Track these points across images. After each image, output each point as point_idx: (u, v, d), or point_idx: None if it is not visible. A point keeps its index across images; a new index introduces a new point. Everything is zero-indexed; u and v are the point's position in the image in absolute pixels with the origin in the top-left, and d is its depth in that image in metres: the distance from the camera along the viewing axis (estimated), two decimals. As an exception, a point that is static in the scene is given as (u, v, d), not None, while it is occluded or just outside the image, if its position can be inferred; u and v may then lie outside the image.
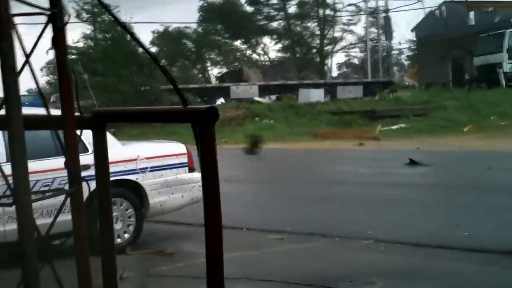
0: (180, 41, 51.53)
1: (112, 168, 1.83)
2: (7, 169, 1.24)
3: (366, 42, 51.68)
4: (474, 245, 6.58)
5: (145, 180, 7.20)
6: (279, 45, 57.64)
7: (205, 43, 52.42)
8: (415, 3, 51.06)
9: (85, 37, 32.37)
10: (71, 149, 1.56)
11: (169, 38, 50.18)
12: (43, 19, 1.46)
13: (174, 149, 7.80)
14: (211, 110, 1.54)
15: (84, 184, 1.61)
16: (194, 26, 53.37)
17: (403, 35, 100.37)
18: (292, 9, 54.83)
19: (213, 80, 51.14)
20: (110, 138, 5.42)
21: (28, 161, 1.20)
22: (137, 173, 7.15)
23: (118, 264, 1.89)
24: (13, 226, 5.76)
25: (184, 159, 7.63)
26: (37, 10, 1.44)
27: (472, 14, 38.75)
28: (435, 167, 13.77)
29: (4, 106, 1.17)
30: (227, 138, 21.25)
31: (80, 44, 31.41)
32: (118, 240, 6.83)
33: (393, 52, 58.09)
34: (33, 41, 1.43)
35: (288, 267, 6.19)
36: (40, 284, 1.19)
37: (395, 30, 60.85)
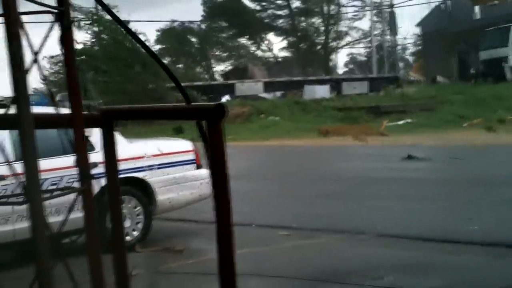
0: (184, 38, 51.42)
1: (119, 166, 1.83)
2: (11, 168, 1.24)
3: (371, 37, 51.53)
4: (483, 239, 6.57)
5: (153, 178, 7.23)
6: (284, 42, 57.58)
7: (209, 40, 52.33)
8: (420, -3, 50.84)
9: (89, 35, 32.32)
10: (80, 148, 1.57)
11: (173, 36, 50.05)
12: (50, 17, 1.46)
13: (181, 146, 7.82)
14: (218, 107, 1.52)
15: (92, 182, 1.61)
16: (198, 23, 53.37)
17: (408, 30, 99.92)
18: (296, 4, 54.80)
19: (218, 77, 51.07)
20: (117, 136, 5.44)
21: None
22: (145, 170, 7.17)
23: (128, 262, 1.89)
24: (23, 224, 5.80)
25: (192, 156, 7.66)
26: (44, 9, 1.44)
27: (477, 8, 38.56)
28: (445, 163, 13.71)
29: (8, 106, 1.17)
30: (233, 135, 21.23)
31: (87, 41, 31.35)
32: (127, 238, 6.85)
33: (398, 47, 57.92)
34: (40, 40, 1.43)
35: (298, 262, 6.22)
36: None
37: (401, 26, 60.58)
